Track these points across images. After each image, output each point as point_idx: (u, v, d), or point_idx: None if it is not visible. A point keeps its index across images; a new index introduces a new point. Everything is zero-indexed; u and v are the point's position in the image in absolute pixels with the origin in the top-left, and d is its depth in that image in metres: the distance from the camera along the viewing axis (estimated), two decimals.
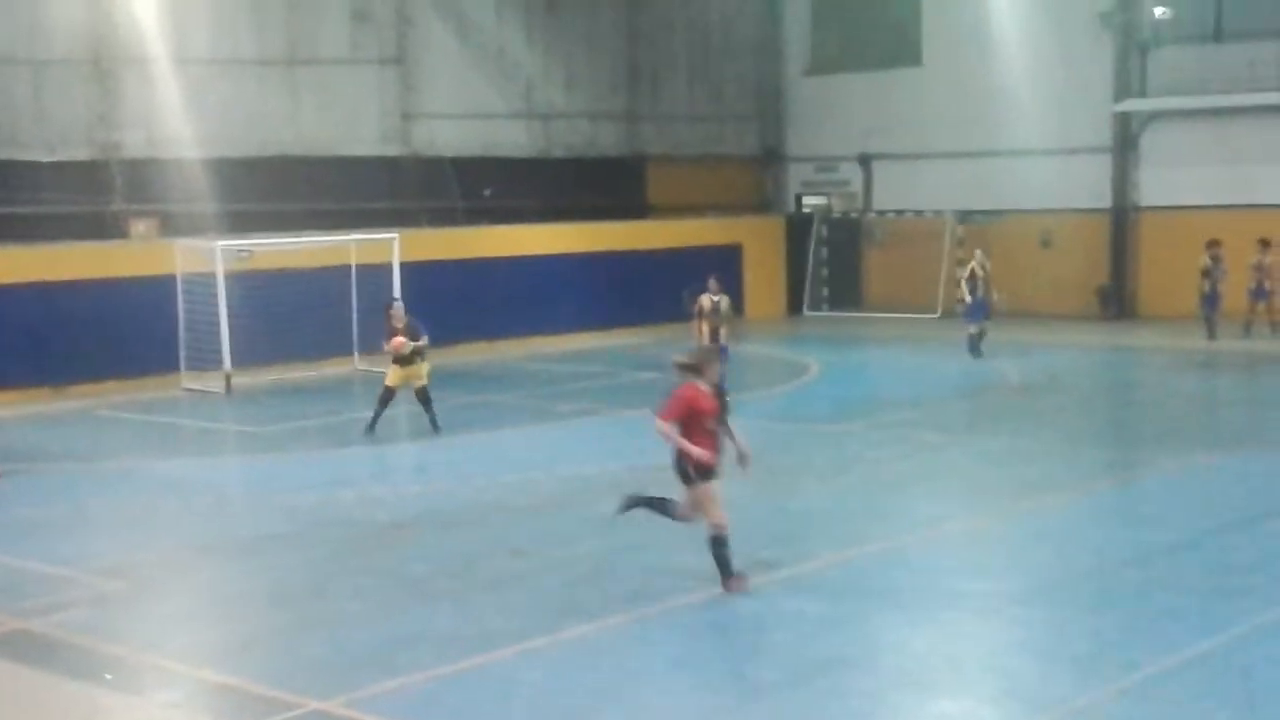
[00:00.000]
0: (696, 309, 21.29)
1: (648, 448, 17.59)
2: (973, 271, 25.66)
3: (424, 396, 18.97)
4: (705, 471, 11.26)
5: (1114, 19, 30.70)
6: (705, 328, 21.05)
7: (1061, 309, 31.45)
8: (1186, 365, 24.31)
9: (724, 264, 29.54)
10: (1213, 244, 26.79)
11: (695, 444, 11.12)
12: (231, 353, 23.26)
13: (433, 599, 11.43)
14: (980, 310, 25.42)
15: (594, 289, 29.86)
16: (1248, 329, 26.82)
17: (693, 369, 11.40)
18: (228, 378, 23.25)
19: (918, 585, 11.54)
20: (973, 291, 25.47)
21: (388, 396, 18.87)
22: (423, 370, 19.01)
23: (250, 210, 26.56)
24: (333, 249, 25.05)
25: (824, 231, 35.32)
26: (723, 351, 20.89)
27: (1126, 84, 30.93)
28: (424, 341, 18.91)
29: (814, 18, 36.14)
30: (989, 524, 13.77)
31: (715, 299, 21.17)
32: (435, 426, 18.90)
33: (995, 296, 25.94)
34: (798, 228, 35.33)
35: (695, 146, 34.94)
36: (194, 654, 10.42)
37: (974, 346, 25.27)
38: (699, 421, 11.21)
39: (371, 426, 18.81)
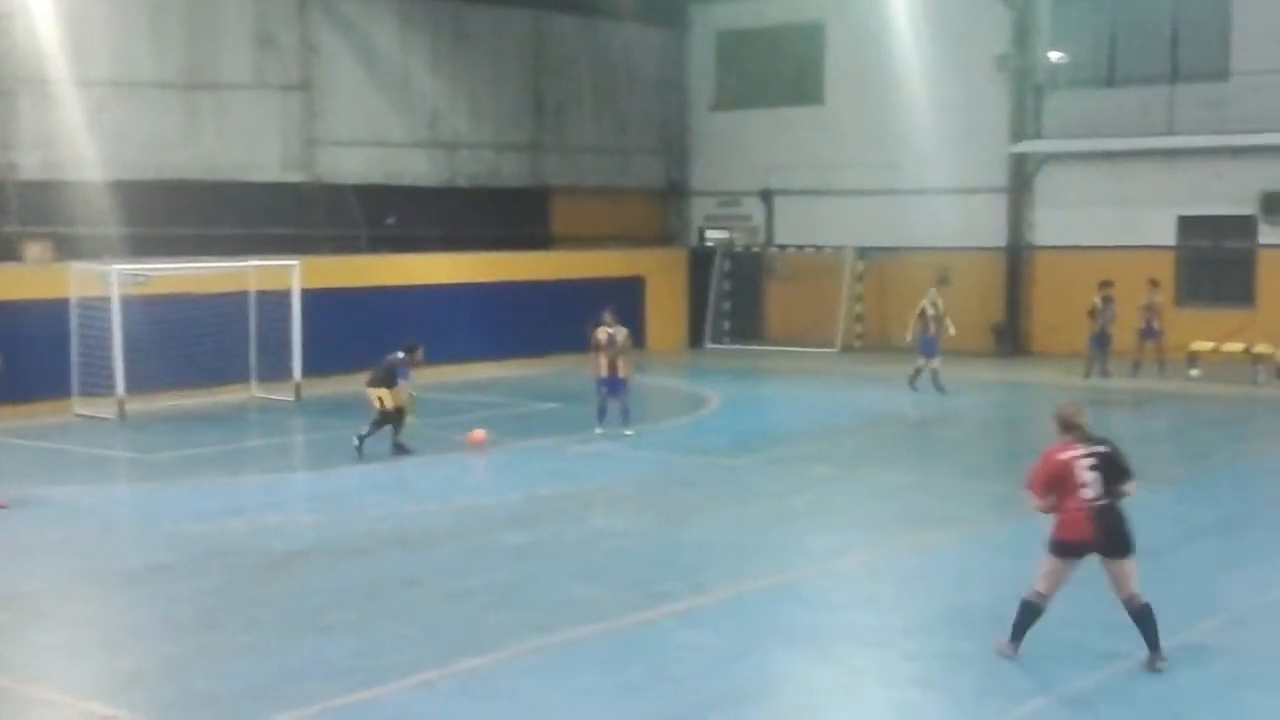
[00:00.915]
0: (593, 342, 21.19)
1: (545, 478, 17.67)
2: (922, 310, 26.00)
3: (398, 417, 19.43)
4: (1064, 548, 10.24)
5: (1010, 62, 31.32)
6: (603, 360, 20.96)
7: (958, 345, 31.84)
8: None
9: (626, 296, 29.70)
10: (1104, 284, 27.37)
11: (1067, 515, 10.14)
12: (126, 378, 22.91)
13: (326, 630, 11.32)
14: (928, 346, 25.71)
15: (496, 319, 29.81)
16: (1137, 368, 27.39)
17: (1069, 425, 10.55)
18: (121, 404, 22.89)
19: (813, 618, 11.65)
20: (924, 330, 25.79)
21: (391, 417, 19.39)
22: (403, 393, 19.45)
23: (148, 234, 26.18)
24: (232, 275, 24.81)
25: (726, 265, 35.59)
26: (620, 385, 21.03)
27: (1022, 126, 31.56)
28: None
29: (718, 54, 36.50)
30: (884, 558, 13.92)
31: (611, 331, 21.11)
32: (402, 448, 19.39)
33: (951, 332, 26.35)
34: (700, 261, 35.56)
35: (599, 178, 35.08)
36: (81, 686, 10.23)
37: (912, 380, 25.81)
38: (1071, 488, 10.18)
39: (396, 448, 19.32)
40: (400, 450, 19.39)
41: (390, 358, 19.58)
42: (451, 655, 10.55)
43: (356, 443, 19.16)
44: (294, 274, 25.24)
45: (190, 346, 23.76)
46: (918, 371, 25.75)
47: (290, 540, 14.51)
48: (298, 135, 29.24)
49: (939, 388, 25.38)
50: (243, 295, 24.95)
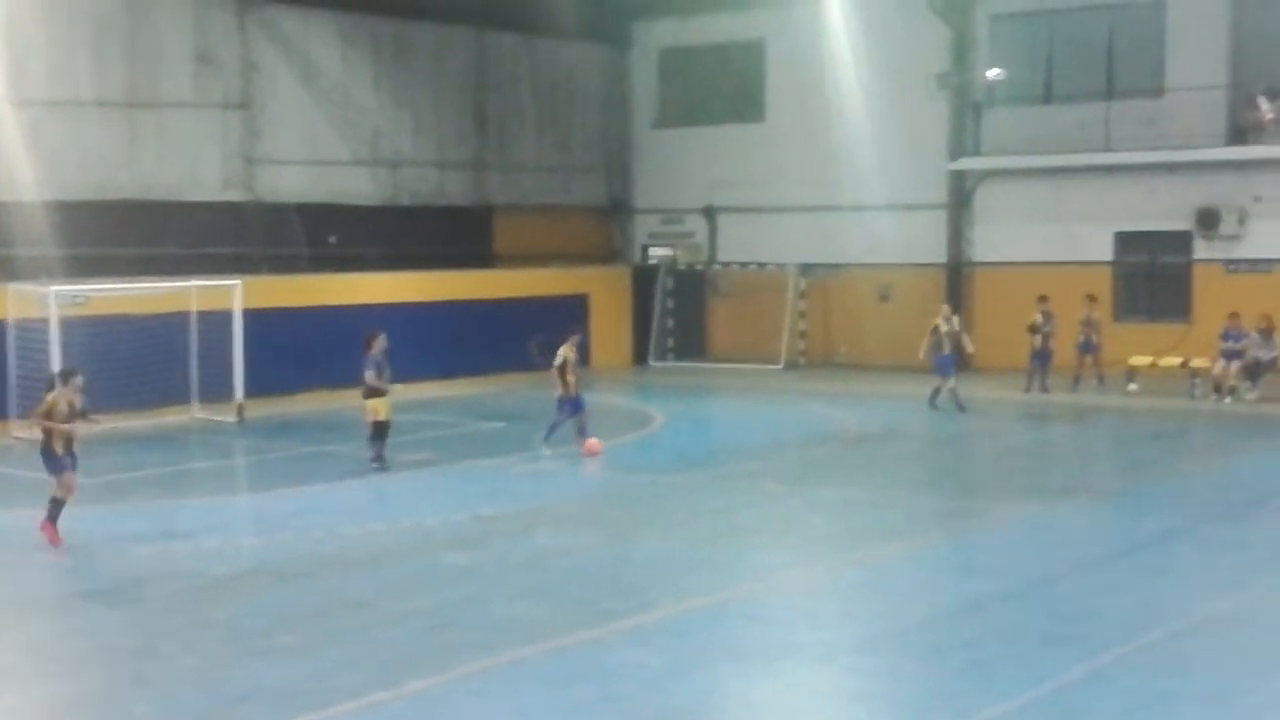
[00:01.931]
0: (562, 363, 20.89)
1: (490, 498, 17.63)
2: (935, 327, 25.75)
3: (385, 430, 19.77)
4: None
5: (949, 80, 31.62)
6: (571, 379, 20.83)
7: (899, 361, 32.09)
8: (1018, 417, 24.99)
9: (570, 314, 29.69)
10: (1043, 299, 27.65)
11: None
12: None
13: (270, 654, 11.24)
14: (944, 364, 25.41)
15: (439, 338, 29.71)
16: (1076, 382, 27.68)
17: None
18: None
19: (757, 635, 11.69)
20: (937, 347, 25.52)
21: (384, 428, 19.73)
22: (384, 404, 19.76)
23: (88, 255, 25.92)
24: (173, 295, 24.62)
25: (669, 283, 35.67)
26: (579, 404, 20.98)
27: (961, 143, 31.87)
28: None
29: (661, 72, 36.63)
30: (826, 574, 13.99)
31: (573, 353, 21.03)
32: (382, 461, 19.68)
33: (970, 350, 26.25)
34: (644, 278, 35.63)
35: (542, 196, 35.09)
36: (18, 714, 10.11)
37: (932, 399, 25.42)
38: None
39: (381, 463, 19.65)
40: (379, 464, 19.58)
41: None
42: (397, 677, 10.51)
43: (375, 465, 19.57)
44: (235, 294, 25.08)
45: (130, 368, 23.51)
46: (937, 390, 25.42)
47: (232, 563, 14.40)
48: (238, 154, 29.07)
49: (959, 406, 25.07)
50: (184, 316, 24.76)
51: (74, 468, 15.26)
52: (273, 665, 10.94)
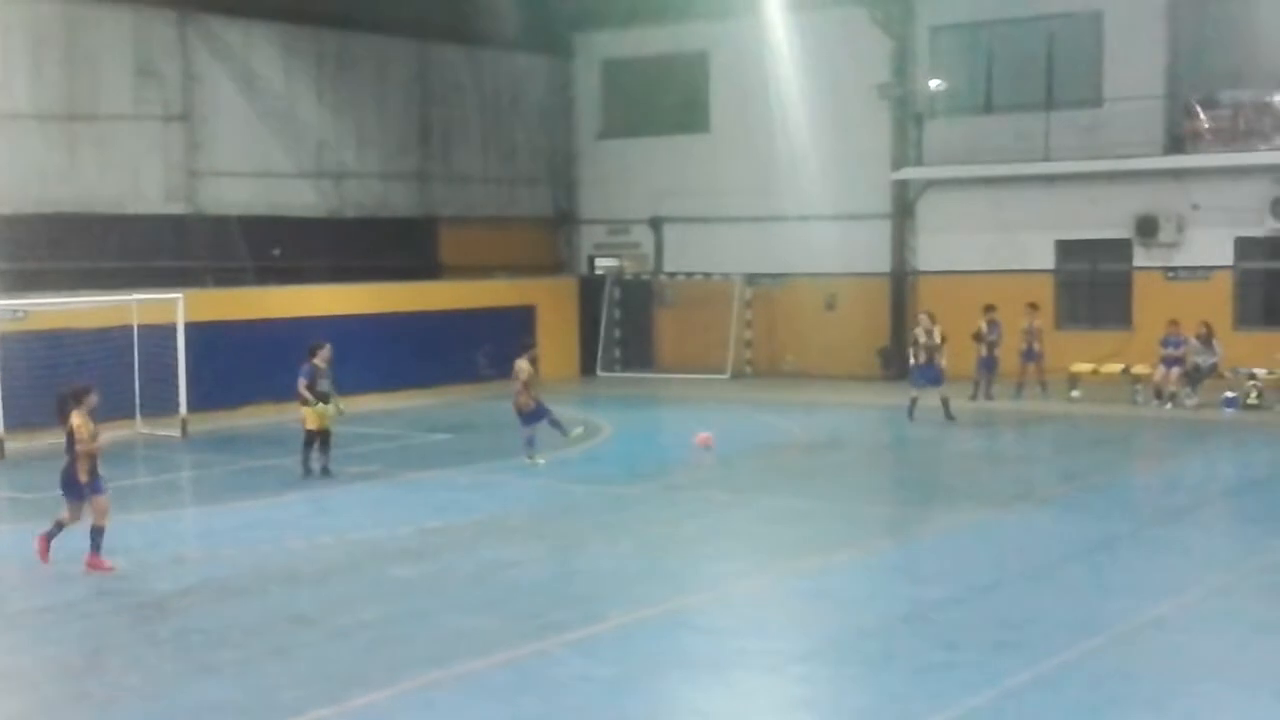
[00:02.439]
0: (526, 376, 20.94)
1: (436, 510, 17.57)
2: (914, 338, 25.52)
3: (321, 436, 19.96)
4: None
5: (891, 91, 31.88)
6: (531, 393, 20.97)
7: (845, 369, 32.33)
8: (964, 424, 25.17)
9: (517, 325, 29.66)
10: (989, 308, 27.85)
11: None
12: (4, 415, 22.41)
13: (214, 670, 11.15)
14: (920, 375, 25.06)
15: (385, 350, 29.60)
16: (1020, 389, 27.92)
17: None
18: (0, 442, 22.36)
19: (704, 645, 11.71)
20: (915, 357, 25.19)
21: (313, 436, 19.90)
22: (329, 412, 19.96)
23: (27, 269, 25.68)
24: (114, 309, 24.38)
25: (616, 293, 35.70)
26: (541, 413, 21.04)
27: (904, 153, 32.11)
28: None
29: (604, 83, 36.69)
30: (774, 583, 14.04)
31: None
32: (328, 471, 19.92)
33: (944, 364, 25.06)
34: (590, 289, 35.64)
35: (488, 208, 35.04)
36: None
37: (910, 410, 24.99)
38: None
39: (322, 471, 19.91)
40: (325, 473, 19.75)
41: None
42: (343, 692, 10.45)
43: (302, 474, 19.86)
44: (178, 307, 24.87)
45: (72, 382, 23.22)
46: (914, 402, 25.04)
47: (177, 579, 14.27)
48: (180, 166, 28.86)
49: (948, 415, 24.81)
50: (126, 330, 24.51)
51: (103, 489, 14.60)
52: (217, 682, 10.85)
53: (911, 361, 25.58)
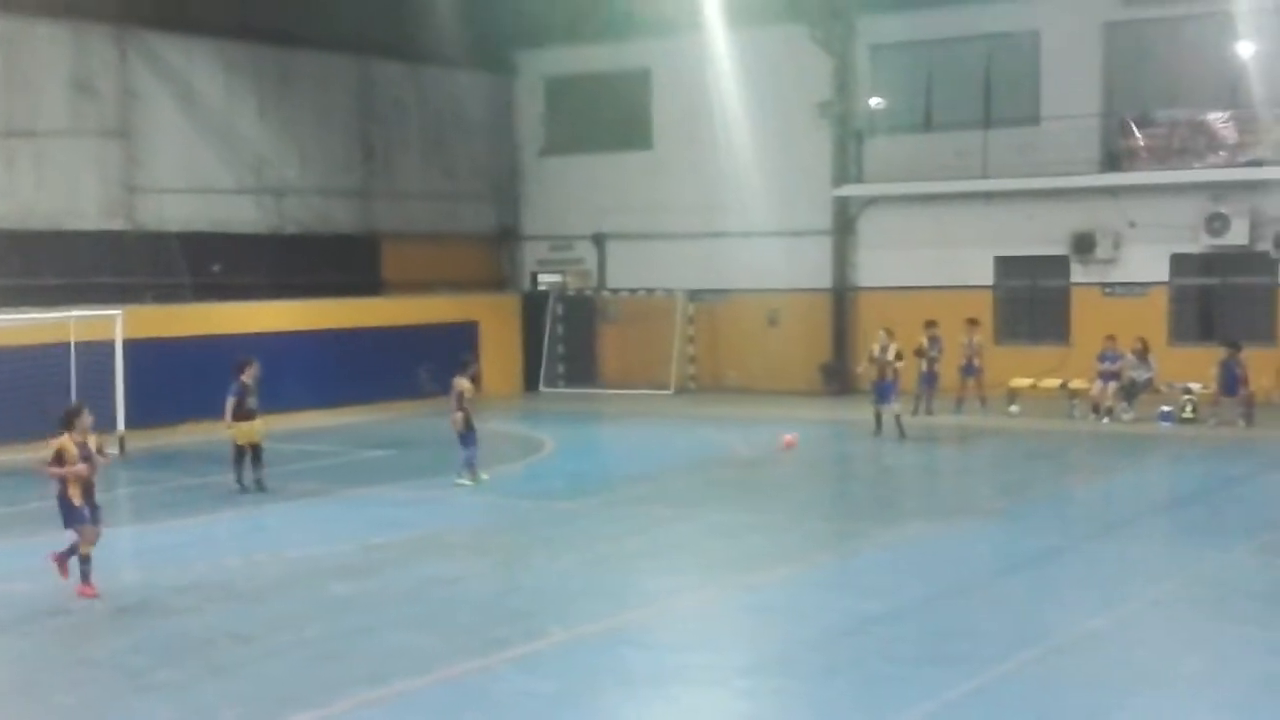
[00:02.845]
0: (461, 395, 20.28)
1: (377, 526, 17.48)
2: (869, 352, 25.44)
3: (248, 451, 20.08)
4: None
5: (832, 109, 32.13)
6: (467, 411, 20.30)
7: (787, 385, 32.47)
8: (904, 439, 25.31)
9: (460, 341, 29.58)
10: (930, 324, 28.05)
11: None
12: None
13: (153, 690, 11.04)
14: (880, 391, 24.95)
15: (326, 366, 29.46)
16: (959, 404, 28.14)
17: None
18: None
19: (647, 661, 11.71)
20: (880, 374, 24.87)
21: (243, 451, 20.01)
22: (257, 428, 20.13)
23: None
24: (51, 326, 24.12)
25: (559, 309, 35.70)
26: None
27: (844, 170, 32.35)
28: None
29: (547, 99, 36.74)
30: (716, 597, 14.07)
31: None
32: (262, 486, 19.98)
33: (890, 377, 24.79)
34: (533, 305, 35.64)
35: (430, 224, 34.96)
36: None
37: (878, 424, 24.96)
38: None
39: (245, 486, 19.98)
40: (258, 486, 19.83)
41: None
42: (282, 711, 10.37)
43: (236, 489, 19.91)
44: (116, 324, 24.66)
45: (6, 400, 23.01)
46: (877, 417, 25.02)
47: (115, 598, 14.10)
48: (118, 182, 28.63)
49: (900, 431, 24.56)
50: (63, 347, 24.25)
51: (95, 519, 14.20)
52: (153, 702, 10.75)
53: (870, 378, 25.47)
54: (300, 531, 17.76)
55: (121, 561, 16.55)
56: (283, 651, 12.05)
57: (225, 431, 20.20)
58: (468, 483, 20.24)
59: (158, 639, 12.55)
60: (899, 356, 25.05)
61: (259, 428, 20.12)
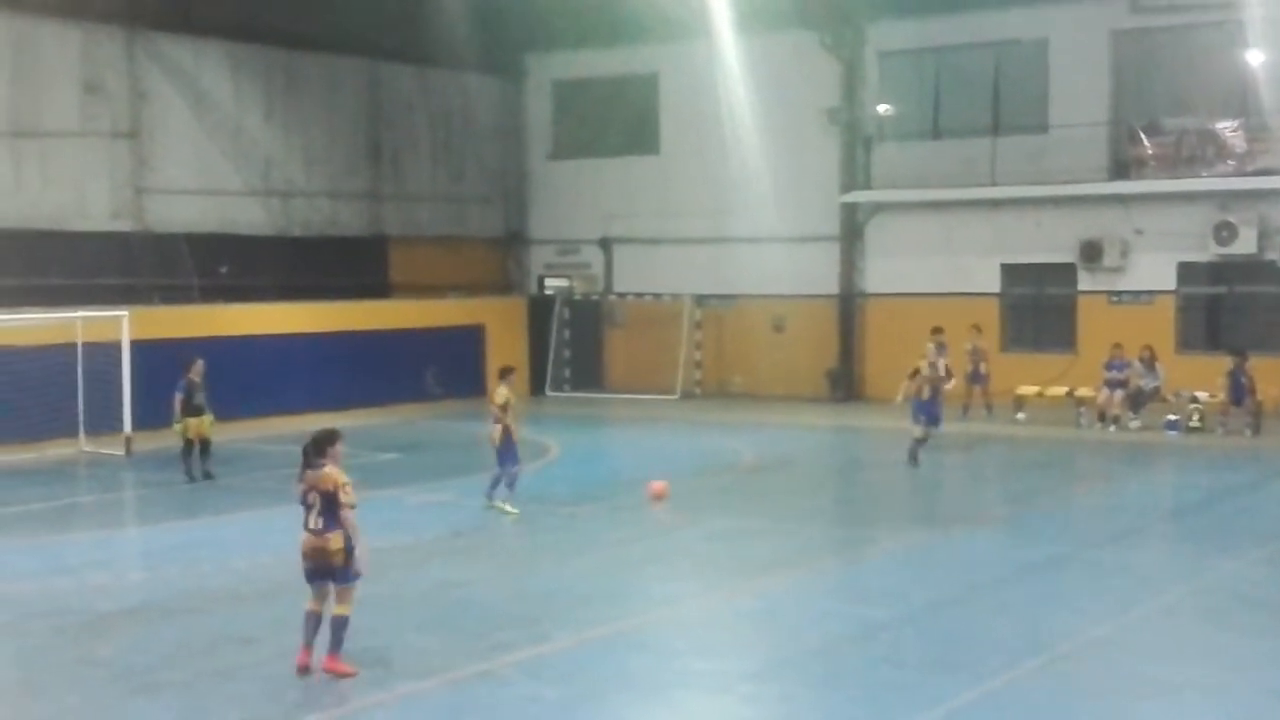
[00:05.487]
0: (503, 406, 18.31)
1: (384, 529, 17.46)
2: (916, 369, 22.32)
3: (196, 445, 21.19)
4: None
5: (841, 115, 32.10)
6: (512, 424, 18.43)
7: (793, 391, 32.44)
8: (910, 446, 25.27)
9: (466, 345, 29.61)
10: (936, 330, 27.95)
11: None
12: None
13: (157, 691, 11.04)
14: (919, 410, 22.01)
15: (334, 369, 29.48)
16: (965, 411, 28.08)
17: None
18: None
19: (652, 666, 11.70)
20: (933, 389, 22.21)
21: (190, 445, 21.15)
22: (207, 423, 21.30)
23: None
24: (58, 326, 24.18)
25: (566, 313, 35.70)
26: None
27: (852, 176, 32.31)
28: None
29: (555, 103, 36.75)
30: (721, 603, 14.06)
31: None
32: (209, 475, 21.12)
33: (941, 398, 22.27)
34: (540, 309, 35.63)
35: (438, 227, 34.99)
36: None
37: (914, 456, 21.97)
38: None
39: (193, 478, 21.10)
40: (207, 477, 21.03)
41: None
42: (287, 714, 10.38)
43: (185, 479, 20.94)
44: (123, 325, 24.69)
45: (14, 400, 23.05)
46: (916, 448, 22.13)
47: (119, 599, 14.12)
48: (127, 183, 28.67)
49: (913, 456, 22.12)
50: (70, 347, 24.32)
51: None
52: (157, 703, 10.74)
53: (901, 395, 22.88)
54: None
55: (127, 562, 16.60)
56: (288, 654, 12.00)
57: (174, 426, 21.20)
58: (509, 510, 18.35)
59: (162, 640, 12.54)
60: (948, 372, 22.88)
61: (207, 423, 21.24)
